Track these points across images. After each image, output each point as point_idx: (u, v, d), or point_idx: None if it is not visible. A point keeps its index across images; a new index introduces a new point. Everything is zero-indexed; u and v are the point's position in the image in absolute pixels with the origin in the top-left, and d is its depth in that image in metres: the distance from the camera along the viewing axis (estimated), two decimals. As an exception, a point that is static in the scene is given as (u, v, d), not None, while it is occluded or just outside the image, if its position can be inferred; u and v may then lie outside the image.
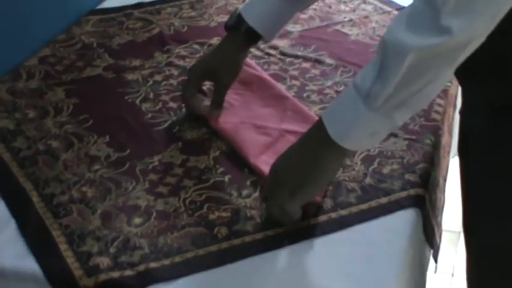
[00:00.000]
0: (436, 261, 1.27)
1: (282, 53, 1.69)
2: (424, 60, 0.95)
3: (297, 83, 1.56)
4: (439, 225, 1.33)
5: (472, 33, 0.93)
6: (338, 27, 1.82)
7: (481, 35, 0.94)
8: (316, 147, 1.09)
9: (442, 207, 1.39)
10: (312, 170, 1.10)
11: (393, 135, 1.37)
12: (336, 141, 1.06)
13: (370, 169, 1.28)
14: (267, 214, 1.17)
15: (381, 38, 1.00)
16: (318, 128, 1.08)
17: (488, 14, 0.92)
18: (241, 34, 1.39)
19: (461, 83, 1.19)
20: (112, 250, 1.12)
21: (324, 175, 1.12)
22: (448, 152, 1.51)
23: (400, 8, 1.89)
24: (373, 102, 1.01)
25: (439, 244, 1.30)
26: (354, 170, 1.28)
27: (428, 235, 1.25)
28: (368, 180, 1.26)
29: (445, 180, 1.44)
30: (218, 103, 1.41)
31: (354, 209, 1.20)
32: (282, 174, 1.12)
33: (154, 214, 1.19)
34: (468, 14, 0.91)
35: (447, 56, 0.95)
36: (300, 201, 1.12)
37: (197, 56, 1.69)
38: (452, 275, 2.13)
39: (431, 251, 1.29)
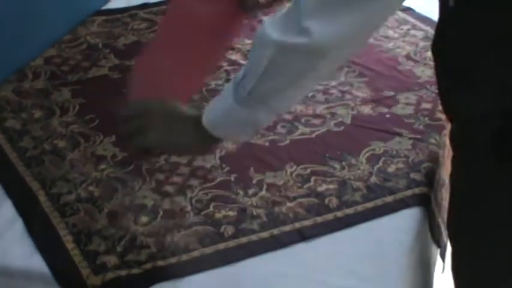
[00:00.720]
0: (443, 260, 1.27)
1: (287, 53, 1.69)
2: (283, 56, 0.94)
3: (302, 82, 1.57)
4: (445, 223, 1.33)
5: (332, 40, 0.91)
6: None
7: (345, 45, 0.93)
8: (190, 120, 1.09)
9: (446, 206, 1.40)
10: (175, 138, 1.10)
11: (398, 134, 1.37)
12: (206, 126, 1.06)
13: (376, 168, 1.29)
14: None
15: None
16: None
17: (352, 25, 0.91)
18: None
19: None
20: (119, 249, 1.12)
21: (182, 148, 1.13)
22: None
23: (404, 9, 1.89)
24: (239, 93, 1.01)
25: (446, 243, 1.31)
26: (359, 169, 1.29)
27: (435, 234, 1.25)
28: (373, 179, 1.26)
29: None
30: None
31: (359, 208, 1.20)
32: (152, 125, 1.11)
33: (160, 213, 1.20)
34: (328, 20, 0.90)
35: (306, 59, 0.94)
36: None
37: (202, 56, 1.69)
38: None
39: (439, 250, 1.29)
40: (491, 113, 0.99)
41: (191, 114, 1.10)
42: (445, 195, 1.36)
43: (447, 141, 1.40)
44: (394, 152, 1.33)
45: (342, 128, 1.40)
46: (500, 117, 0.99)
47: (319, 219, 1.18)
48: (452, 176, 1.15)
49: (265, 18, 1.04)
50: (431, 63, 1.46)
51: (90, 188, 1.26)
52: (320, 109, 1.46)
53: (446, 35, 1.03)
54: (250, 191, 1.24)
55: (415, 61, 1.65)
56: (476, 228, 1.11)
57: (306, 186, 1.25)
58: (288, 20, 0.95)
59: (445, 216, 1.35)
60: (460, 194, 1.12)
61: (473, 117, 1.02)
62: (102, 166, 1.31)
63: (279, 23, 0.96)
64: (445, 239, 1.29)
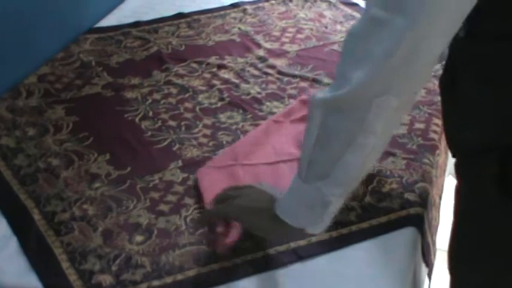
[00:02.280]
0: (429, 279, 1.28)
1: (280, 73, 1.71)
2: (331, 115, 0.92)
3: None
4: (434, 243, 1.34)
5: (372, 87, 0.88)
6: (334, 46, 1.84)
7: (386, 92, 0.89)
8: (267, 210, 1.06)
9: (437, 226, 1.40)
10: (252, 222, 1.09)
11: (391, 154, 1.38)
12: (277, 211, 1.03)
13: (370, 188, 1.29)
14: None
15: None
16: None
17: (391, 70, 0.87)
18: None
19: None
20: (114, 268, 1.12)
21: (259, 231, 1.11)
22: (444, 171, 1.52)
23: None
24: (301, 171, 1.00)
25: (433, 262, 1.31)
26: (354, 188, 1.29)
27: (425, 254, 1.26)
28: (368, 199, 1.27)
29: (440, 199, 1.46)
30: None
31: (354, 228, 1.21)
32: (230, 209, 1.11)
33: (155, 232, 1.19)
34: (367, 65, 0.87)
35: (352, 113, 0.91)
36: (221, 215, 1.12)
37: (195, 74, 1.70)
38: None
39: (427, 270, 1.30)
40: (498, 146, 1.00)
41: (272, 194, 1.08)
42: (435, 215, 1.37)
43: (440, 161, 1.42)
44: (388, 172, 1.33)
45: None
46: (505, 151, 0.99)
47: (314, 239, 1.18)
48: (456, 206, 1.16)
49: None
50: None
51: (85, 206, 1.26)
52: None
53: (455, 67, 1.04)
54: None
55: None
56: (480, 264, 1.11)
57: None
58: (333, 83, 0.94)
59: (435, 235, 1.36)
60: (465, 227, 1.13)
61: (479, 150, 1.03)
62: (97, 184, 1.31)
63: (326, 88, 0.94)
64: (432, 258, 1.30)
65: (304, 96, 1.55)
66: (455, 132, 1.08)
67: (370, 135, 0.92)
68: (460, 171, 1.12)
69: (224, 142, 1.43)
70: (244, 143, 1.38)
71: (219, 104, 1.58)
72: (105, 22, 2.00)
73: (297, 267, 1.14)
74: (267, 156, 1.36)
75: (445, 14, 0.85)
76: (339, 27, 1.95)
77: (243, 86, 1.65)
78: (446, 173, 1.58)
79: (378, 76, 0.88)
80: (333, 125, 0.93)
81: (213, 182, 1.27)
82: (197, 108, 1.56)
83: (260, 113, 1.53)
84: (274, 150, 1.38)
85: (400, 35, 0.85)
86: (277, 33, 1.92)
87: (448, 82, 1.07)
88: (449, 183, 1.28)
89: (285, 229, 1.04)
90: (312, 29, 1.94)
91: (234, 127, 1.49)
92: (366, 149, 0.94)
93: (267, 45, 1.85)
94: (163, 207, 1.26)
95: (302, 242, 1.17)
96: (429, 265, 1.28)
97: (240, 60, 1.78)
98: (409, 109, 0.94)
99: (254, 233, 1.12)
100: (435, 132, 1.45)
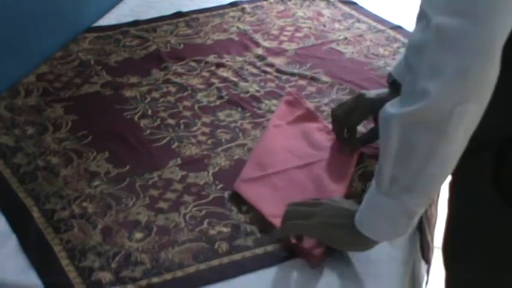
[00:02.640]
0: (427, 275, 1.29)
1: (279, 71, 1.71)
2: (410, 130, 0.92)
3: (294, 100, 1.58)
4: (433, 240, 1.34)
5: (451, 97, 0.88)
6: (333, 45, 1.85)
7: (466, 100, 0.89)
8: (347, 226, 1.06)
9: (435, 223, 1.41)
10: (333, 238, 1.09)
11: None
12: (357, 226, 1.04)
13: (368, 185, 1.29)
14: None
15: None
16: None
17: (470, 79, 0.87)
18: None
19: None
20: (113, 265, 1.13)
21: (341, 246, 1.11)
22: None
23: (393, 27, 1.92)
24: (380, 185, 0.99)
25: (431, 259, 1.32)
26: (352, 186, 1.29)
27: (424, 250, 1.26)
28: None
29: (438, 196, 1.46)
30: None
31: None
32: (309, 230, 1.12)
33: (155, 229, 1.20)
34: (445, 77, 0.87)
35: (432, 124, 0.91)
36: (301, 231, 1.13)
37: (194, 73, 1.71)
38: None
39: (426, 267, 1.30)
40: (491, 144, 1.00)
41: (349, 209, 1.08)
42: (433, 212, 1.37)
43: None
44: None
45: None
46: (498, 149, 1.00)
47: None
48: (450, 204, 1.16)
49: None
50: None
51: (84, 204, 1.26)
52: (312, 126, 1.47)
53: None
54: (244, 208, 1.25)
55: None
56: (474, 262, 1.11)
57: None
58: (404, 93, 0.93)
59: (434, 232, 1.36)
60: (458, 225, 1.13)
61: (472, 148, 1.03)
62: (96, 182, 1.32)
63: (396, 100, 0.94)
64: (430, 256, 1.31)
65: (287, 97, 1.55)
66: None
67: (451, 143, 0.92)
68: (454, 169, 1.12)
69: (223, 140, 1.44)
70: (259, 154, 1.37)
71: (218, 102, 1.58)
72: (104, 21, 2.00)
73: (294, 264, 1.14)
74: (290, 161, 1.35)
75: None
76: (337, 25, 1.95)
77: (242, 84, 1.65)
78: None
79: (458, 87, 0.87)
80: (414, 139, 0.92)
81: (259, 194, 1.26)
82: (196, 106, 1.56)
83: (259, 111, 1.54)
84: (292, 153, 1.38)
85: (476, 44, 0.85)
86: (275, 32, 1.92)
87: None
88: (447, 181, 1.28)
89: (366, 242, 1.05)
90: (310, 28, 1.94)
91: (232, 125, 1.49)
92: (449, 157, 0.94)
93: (266, 43, 1.85)
94: (162, 204, 1.26)
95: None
96: (428, 262, 1.28)
97: (238, 58, 1.78)
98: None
99: (336, 248, 1.11)
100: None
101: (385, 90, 1.36)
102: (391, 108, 0.94)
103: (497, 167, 1.01)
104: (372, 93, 1.36)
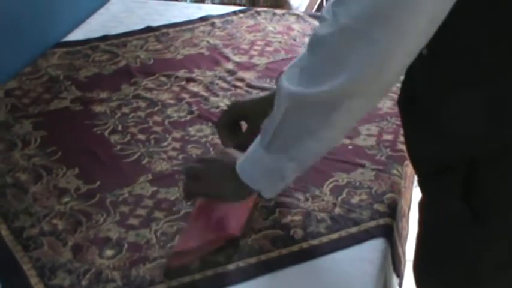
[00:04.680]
0: (400, 289, 1.29)
1: (249, 85, 1.71)
2: (297, 109, 0.99)
3: (265, 114, 1.58)
4: (404, 254, 1.35)
5: (348, 91, 0.94)
6: (303, 59, 1.85)
7: (359, 96, 0.95)
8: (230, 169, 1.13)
9: (406, 236, 1.41)
10: (218, 184, 1.17)
11: (360, 165, 1.39)
12: (238, 172, 1.11)
13: (339, 199, 1.30)
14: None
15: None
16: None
17: (366, 78, 0.93)
18: None
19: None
20: (84, 283, 1.12)
21: (223, 193, 1.17)
22: (412, 182, 1.53)
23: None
24: (264, 138, 1.06)
25: (404, 273, 1.32)
26: (323, 200, 1.30)
27: (395, 264, 1.27)
28: (337, 210, 1.27)
29: (409, 209, 1.47)
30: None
31: (324, 239, 1.21)
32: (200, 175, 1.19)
33: (125, 246, 1.19)
34: (344, 73, 0.93)
35: (319, 110, 0.98)
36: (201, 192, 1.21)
37: (164, 88, 1.70)
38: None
39: (398, 280, 1.30)
40: (460, 163, 1.01)
41: (232, 162, 1.13)
42: (404, 225, 1.38)
43: (408, 172, 1.43)
44: (358, 183, 1.34)
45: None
46: (468, 168, 1.01)
47: (284, 250, 1.18)
48: (421, 220, 1.17)
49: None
50: (393, 95, 1.50)
51: (54, 221, 1.25)
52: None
53: (416, 85, 1.05)
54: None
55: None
56: (444, 277, 1.12)
57: (271, 218, 1.25)
58: (303, 71, 0.98)
59: (405, 245, 1.37)
60: (429, 243, 1.14)
61: (442, 168, 1.04)
62: (66, 199, 1.30)
63: (296, 75, 0.99)
64: (402, 269, 1.31)
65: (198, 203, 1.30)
66: (417, 151, 1.09)
67: (332, 129, 1.01)
68: (424, 188, 1.13)
69: (194, 155, 1.43)
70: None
71: (188, 117, 1.58)
72: (73, 36, 1.99)
73: (267, 280, 1.14)
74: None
75: (415, 28, 0.88)
76: (307, 39, 1.95)
77: (212, 99, 1.65)
78: (414, 184, 1.59)
79: (353, 83, 0.93)
80: (297, 116, 1.00)
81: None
82: (166, 121, 1.56)
83: (229, 126, 1.54)
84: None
85: (377, 47, 0.89)
86: (245, 47, 1.92)
87: (408, 102, 1.08)
88: (418, 194, 1.29)
89: (247, 191, 1.12)
90: (280, 42, 1.94)
91: (203, 140, 1.49)
92: (326, 140, 1.03)
93: (236, 58, 1.85)
94: (133, 221, 1.25)
95: (272, 254, 1.17)
96: (400, 275, 1.29)
97: (209, 73, 1.78)
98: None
99: (220, 198, 1.19)
100: (403, 143, 1.46)
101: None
102: (287, 82, 1.00)
103: (467, 185, 1.02)
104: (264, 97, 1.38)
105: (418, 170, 1.16)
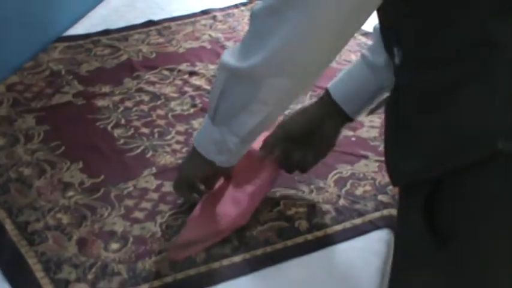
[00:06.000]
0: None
1: (252, 78, 1.70)
2: (231, 81, 1.04)
3: (267, 107, 1.57)
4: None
5: (266, 69, 0.99)
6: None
7: (280, 74, 0.99)
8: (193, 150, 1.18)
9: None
10: (185, 163, 1.23)
11: (364, 157, 1.39)
12: (195, 145, 1.17)
13: (343, 191, 1.30)
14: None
15: None
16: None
17: (284, 57, 0.97)
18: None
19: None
20: (90, 277, 1.11)
21: (187, 170, 1.21)
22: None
23: (364, 33, 1.93)
24: (210, 110, 1.11)
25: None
26: (327, 192, 1.30)
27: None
28: (342, 201, 1.28)
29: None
30: None
31: (329, 230, 1.21)
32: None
33: (131, 239, 1.19)
34: (264, 49, 0.97)
35: (248, 84, 1.02)
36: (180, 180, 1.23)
37: (167, 81, 1.70)
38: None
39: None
40: (426, 180, 1.01)
41: None
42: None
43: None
44: (361, 175, 1.34)
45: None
46: (433, 185, 1.00)
47: (289, 242, 1.19)
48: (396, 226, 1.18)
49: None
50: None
51: (58, 216, 1.25)
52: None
53: (398, 91, 1.06)
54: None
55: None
56: None
57: (275, 210, 1.26)
58: (242, 47, 1.03)
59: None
60: (398, 259, 1.14)
61: (411, 183, 1.04)
62: (70, 193, 1.30)
63: (236, 49, 1.04)
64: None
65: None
66: (392, 162, 1.09)
67: (262, 105, 1.04)
68: (399, 200, 1.13)
69: (197, 148, 1.43)
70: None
71: (192, 111, 1.58)
72: (74, 30, 1.99)
73: (272, 271, 1.14)
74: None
75: (332, 12, 0.92)
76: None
77: (215, 92, 1.65)
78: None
79: (272, 61, 0.98)
80: (232, 89, 1.05)
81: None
82: (169, 115, 1.56)
83: (232, 119, 1.53)
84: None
85: (293, 28, 0.94)
86: (247, 39, 1.92)
87: (391, 106, 1.08)
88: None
89: (205, 163, 1.15)
90: (282, 35, 1.94)
91: (206, 133, 1.49)
92: (259, 114, 1.06)
93: (238, 51, 1.85)
94: (138, 214, 1.25)
95: (278, 246, 1.18)
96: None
97: (211, 66, 1.78)
98: (306, 93, 1.15)
99: (185, 175, 1.21)
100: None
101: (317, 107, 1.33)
102: (227, 55, 1.04)
103: (430, 203, 1.02)
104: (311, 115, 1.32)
105: (392, 182, 1.16)
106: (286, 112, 1.32)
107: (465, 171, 0.97)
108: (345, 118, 1.28)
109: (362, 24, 0.97)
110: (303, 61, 0.98)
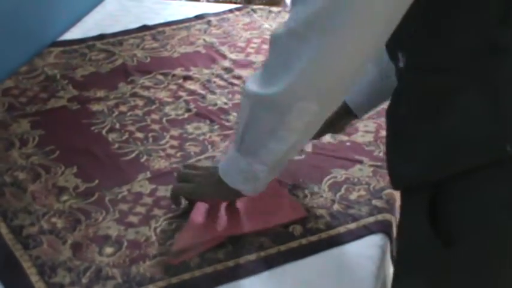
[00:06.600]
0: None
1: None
2: (258, 110, 1.02)
3: (262, 112, 1.58)
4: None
5: (295, 93, 0.98)
6: (300, 57, 1.85)
7: (308, 98, 0.98)
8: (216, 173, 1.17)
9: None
10: (206, 186, 1.20)
11: (358, 162, 1.39)
12: (220, 173, 1.15)
13: (338, 195, 1.30)
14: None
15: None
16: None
17: (312, 81, 0.96)
18: None
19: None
20: (84, 281, 1.12)
21: (209, 194, 1.21)
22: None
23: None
24: (236, 141, 1.09)
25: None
26: (321, 196, 1.30)
27: (394, 259, 1.27)
28: (336, 206, 1.28)
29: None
30: None
31: (323, 235, 1.22)
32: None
33: (125, 244, 1.19)
34: (291, 74, 0.96)
35: (276, 111, 1.00)
36: (186, 192, 1.24)
37: (161, 86, 1.70)
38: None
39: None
40: (428, 183, 1.02)
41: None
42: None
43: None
44: (356, 180, 1.34)
45: (304, 156, 1.41)
46: (435, 187, 1.01)
47: (283, 247, 1.19)
48: (397, 240, 1.19)
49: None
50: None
51: (53, 220, 1.25)
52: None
53: (400, 95, 1.06)
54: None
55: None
56: None
57: (270, 214, 1.26)
58: (264, 73, 1.01)
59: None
60: (402, 260, 1.15)
61: (412, 186, 1.05)
62: (65, 197, 1.30)
63: (258, 76, 1.02)
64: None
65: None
66: (393, 166, 1.10)
67: (291, 131, 1.03)
68: (400, 203, 1.14)
69: (192, 153, 1.43)
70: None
71: (186, 115, 1.58)
72: (69, 35, 1.99)
73: (266, 276, 1.14)
74: None
75: (358, 32, 0.91)
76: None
77: (210, 97, 1.65)
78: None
79: (298, 86, 0.97)
80: (258, 117, 1.03)
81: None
82: (164, 119, 1.56)
83: (227, 124, 1.54)
84: None
85: (318, 51, 0.92)
86: (242, 44, 1.92)
87: (394, 110, 1.09)
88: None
89: (230, 191, 1.15)
90: (276, 40, 1.94)
91: (201, 138, 1.49)
92: (288, 141, 1.05)
93: (233, 56, 1.85)
94: (132, 218, 1.25)
95: (272, 251, 1.18)
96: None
97: (205, 71, 1.78)
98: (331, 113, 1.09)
99: (202, 198, 1.23)
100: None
101: None
102: (250, 83, 1.03)
103: (433, 205, 1.03)
104: None
105: (393, 185, 1.17)
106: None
107: (469, 174, 0.99)
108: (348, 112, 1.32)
109: (386, 40, 0.95)
110: (330, 83, 0.97)
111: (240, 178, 1.13)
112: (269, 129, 1.03)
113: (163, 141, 1.48)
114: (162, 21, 2.07)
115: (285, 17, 2.08)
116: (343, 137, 1.47)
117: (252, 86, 1.02)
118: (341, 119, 1.35)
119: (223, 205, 1.24)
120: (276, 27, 1.05)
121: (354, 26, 0.90)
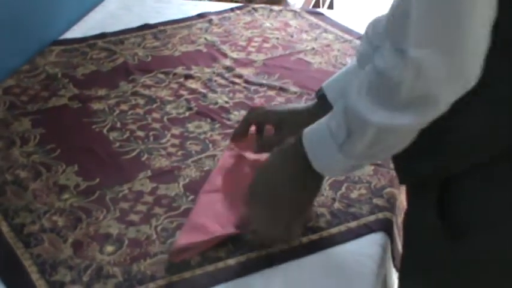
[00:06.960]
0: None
1: (247, 82, 1.71)
2: (385, 136, 0.99)
3: (263, 110, 1.58)
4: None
5: (423, 121, 0.96)
6: (301, 55, 1.85)
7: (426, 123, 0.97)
8: (296, 172, 1.10)
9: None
10: (290, 189, 1.12)
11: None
12: (318, 171, 1.09)
13: (339, 194, 1.30)
14: (253, 239, 1.18)
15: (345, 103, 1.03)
16: (297, 157, 1.10)
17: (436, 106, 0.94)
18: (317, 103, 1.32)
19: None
20: (85, 279, 1.12)
21: (303, 195, 1.14)
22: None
23: (360, 37, 1.93)
24: (347, 154, 1.04)
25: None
26: (322, 195, 1.30)
27: (395, 258, 1.27)
28: (337, 205, 1.28)
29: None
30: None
31: (324, 234, 1.22)
32: (260, 197, 1.14)
33: (126, 242, 1.19)
34: (419, 110, 0.94)
35: (405, 136, 0.99)
36: (282, 221, 1.14)
37: (163, 85, 1.70)
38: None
39: (397, 274, 1.31)
40: (437, 178, 1.02)
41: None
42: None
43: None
44: (357, 178, 1.34)
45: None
46: (444, 183, 1.02)
47: (286, 246, 1.19)
48: (404, 231, 1.19)
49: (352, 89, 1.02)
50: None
51: (54, 218, 1.25)
52: (281, 136, 1.47)
53: None
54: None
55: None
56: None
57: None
58: (386, 99, 0.96)
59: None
60: (410, 254, 1.15)
61: (421, 181, 1.05)
62: (66, 196, 1.31)
63: (375, 101, 0.97)
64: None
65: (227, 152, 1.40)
66: (401, 161, 1.10)
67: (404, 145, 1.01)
68: (407, 198, 1.14)
69: (193, 151, 1.44)
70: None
71: (187, 114, 1.58)
72: (71, 34, 1.99)
73: (267, 274, 1.14)
74: None
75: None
76: (304, 36, 1.96)
77: (211, 95, 1.65)
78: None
79: (427, 119, 0.95)
80: (384, 141, 1.00)
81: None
82: (165, 118, 1.56)
83: (228, 122, 1.54)
84: None
85: (449, 74, 0.89)
86: (243, 43, 1.92)
87: None
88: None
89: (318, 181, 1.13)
90: (278, 38, 1.95)
91: (202, 136, 1.49)
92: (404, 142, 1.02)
93: (234, 54, 1.85)
94: (133, 217, 1.25)
95: (273, 249, 1.18)
96: (398, 269, 1.29)
97: (206, 70, 1.78)
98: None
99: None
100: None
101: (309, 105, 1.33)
102: (368, 111, 0.97)
103: (441, 201, 1.03)
104: (301, 108, 1.34)
105: (400, 180, 1.17)
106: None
107: (477, 169, 0.99)
108: None
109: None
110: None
111: (342, 172, 1.19)
112: (388, 147, 1.02)
113: (164, 140, 1.48)
114: (163, 20, 2.07)
115: (287, 15, 2.09)
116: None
117: (377, 116, 0.97)
118: None
119: (226, 203, 1.23)
120: (381, 66, 0.97)
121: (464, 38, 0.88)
